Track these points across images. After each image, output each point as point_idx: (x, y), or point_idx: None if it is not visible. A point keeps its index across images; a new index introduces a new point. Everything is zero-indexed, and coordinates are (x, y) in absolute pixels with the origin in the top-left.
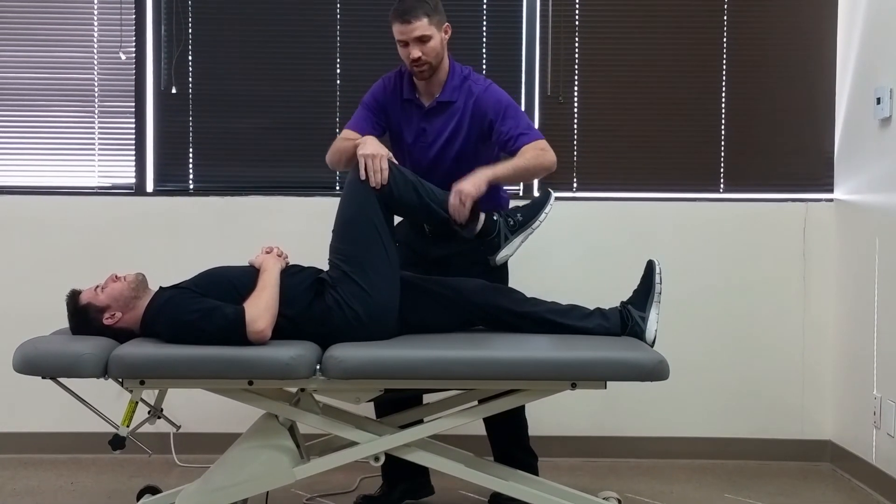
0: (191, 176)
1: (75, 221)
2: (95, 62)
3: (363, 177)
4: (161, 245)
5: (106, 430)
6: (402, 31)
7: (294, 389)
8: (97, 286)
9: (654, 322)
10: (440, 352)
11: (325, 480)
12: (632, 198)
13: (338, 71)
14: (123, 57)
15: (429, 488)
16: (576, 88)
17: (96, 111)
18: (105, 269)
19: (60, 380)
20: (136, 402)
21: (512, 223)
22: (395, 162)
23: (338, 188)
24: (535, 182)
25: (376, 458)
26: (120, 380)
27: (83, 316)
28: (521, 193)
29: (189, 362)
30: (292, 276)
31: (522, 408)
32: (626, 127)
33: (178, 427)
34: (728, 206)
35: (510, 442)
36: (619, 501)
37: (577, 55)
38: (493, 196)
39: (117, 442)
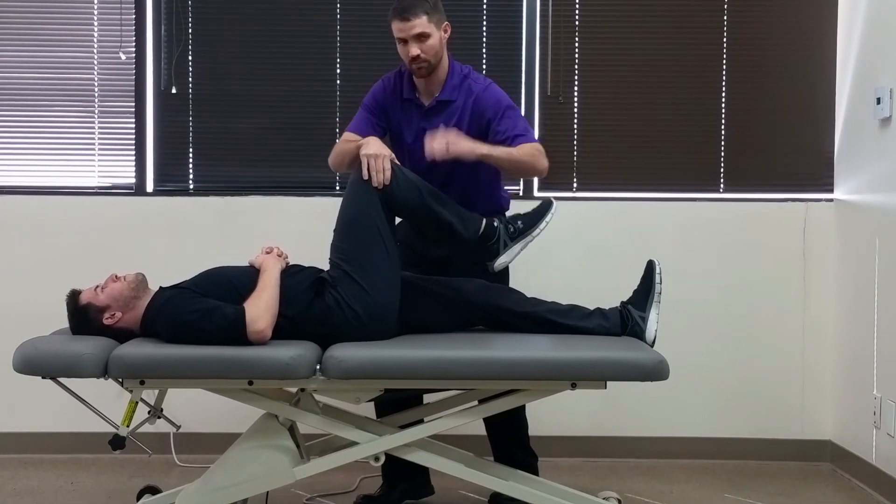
0: (191, 176)
1: (75, 221)
2: (95, 62)
3: (366, 176)
4: (161, 245)
5: (106, 430)
6: (401, 29)
7: (294, 389)
8: (97, 286)
9: (654, 322)
10: (440, 352)
11: (325, 480)
12: (632, 198)
13: (338, 71)
14: (123, 57)
15: (429, 488)
16: (576, 88)
17: (96, 111)
18: (105, 269)
19: (60, 380)
20: (136, 402)
21: (512, 230)
22: (398, 163)
23: (338, 188)
24: (536, 185)
25: (376, 458)
26: (120, 380)
27: (83, 316)
28: (521, 193)
29: (189, 362)
30: (292, 276)
31: (522, 408)
32: (626, 127)
33: (178, 427)
34: (728, 206)
35: (510, 442)
36: (619, 501)
37: (577, 55)
38: (493, 196)
39: (117, 442)
